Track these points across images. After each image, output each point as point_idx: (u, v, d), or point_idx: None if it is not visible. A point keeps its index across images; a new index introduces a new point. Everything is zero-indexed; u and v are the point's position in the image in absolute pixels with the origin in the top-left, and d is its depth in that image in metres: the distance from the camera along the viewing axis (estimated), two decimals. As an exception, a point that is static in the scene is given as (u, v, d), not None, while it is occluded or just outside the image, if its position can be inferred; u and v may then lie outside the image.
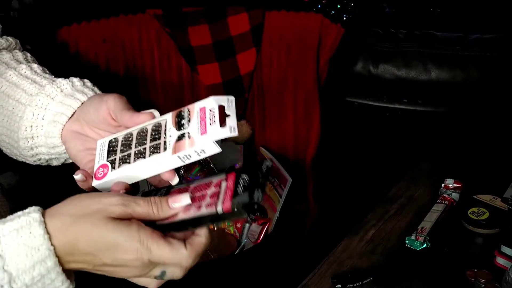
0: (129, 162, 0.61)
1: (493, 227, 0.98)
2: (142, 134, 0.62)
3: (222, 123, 0.57)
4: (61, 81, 0.68)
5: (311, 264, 1.01)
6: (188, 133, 0.59)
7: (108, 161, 0.62)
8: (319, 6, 2.31)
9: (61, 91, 0.67)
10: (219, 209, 0.55)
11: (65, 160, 0.72)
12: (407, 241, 1.00)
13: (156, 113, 0.64)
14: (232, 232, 1.30)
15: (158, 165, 0.60)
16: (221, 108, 0.59)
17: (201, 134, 0.57)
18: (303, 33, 1.32)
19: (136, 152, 0.61)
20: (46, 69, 0.75)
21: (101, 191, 0.62)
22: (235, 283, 1.19)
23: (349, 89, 1.47)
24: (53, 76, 0.72)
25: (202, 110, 0.59)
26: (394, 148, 1.55)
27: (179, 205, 0.54)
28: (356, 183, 1.66)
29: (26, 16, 1.35)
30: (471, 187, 1.11)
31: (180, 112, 0.62)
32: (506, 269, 0.89)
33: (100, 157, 0.63)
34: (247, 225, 1.27)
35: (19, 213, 0.51)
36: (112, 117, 0.63)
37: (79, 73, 1.34)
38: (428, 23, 1.49)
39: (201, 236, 0.55)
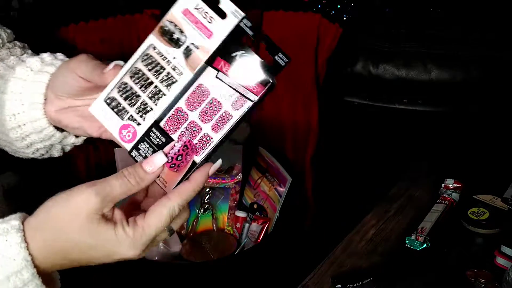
0: (151, 108, 0.54)
1: (493, 227, 0.98)
2: (137, 75, 0.55)
3: (221, 15, 0.53)
4: (30, 59, 0.64)
5: (311, 264, 1.01)
6: (192, 43, 0.53)
7: (126, 120, 0.55)
8: (319, 6, 2.31)
9: (31, 70, 0.63)
10: (251, 96, 0.53)
11: (63, 148, 0.69)
12: (407, 241, 1.00)
13: (121, 63, 0.58)
14: (232, 232, 1.30)
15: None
16: None
17: (208, 37, 0.53)
18: (302, 33, 1.32)
19: (150, 95, 0.54)
20: (26, 44, 0.75)
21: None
22: (235, 283, 1.19)
23: (349, 89, 1.47)
24: (28, 52, 0.71)
25: (187, 13, 0.54)
26: (394, 148, 1.55)
27: (156, 166, 0.51)
28: (356, 183, 1.66)
29: (26, 16, 1.35)
30: (471, 187, 1.11)
31: (163, 28, 0.55)
32: (506, 269, 0.89)
33: (111, 121, 0.56)
34: (247, 224, 1.27)
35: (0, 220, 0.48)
36: (86, 80, 0.59)
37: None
38: (428, 23, 1.49)
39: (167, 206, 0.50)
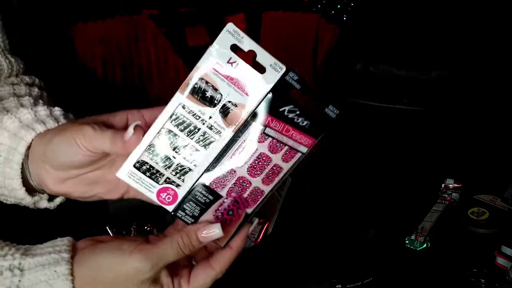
0: (190, 169, 0.52)
1: (493, 227, 0.98)
2: (168, 137, 0.51)
3: (258, 67, 0.52)
4: (22, 110, 0.57)
5: (311, 264, 1.01)
6: (230, 102, 0.50)
7: (163, 183, 0.53)
8: (319, 6, 2.31)
9: (20, 121, 0.56)
10: (302, 149, 0.54)
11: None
12: (407, 241, 1.00)
13: (138, 123, 0.52)
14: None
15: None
16: (243, 53, 0.52)
17: (246, 94, 0.51)
18: (300, 33, 1.32)
19: (185, 156, 0.52)
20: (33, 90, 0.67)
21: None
22: (235, 283, 1.19)
23: (349, 89, 1.47)
24: (33, 93, 0.65)
25: (219, 67, 0.51)
26: (394, 148, 1.54)
27: (209, 236, 0.51)
28: (355, 183, 1.66)
29: (25, 16, 1.35)
30: (471, 187, 1.11)
31: (193, 88, 0.50)
32: (506, 269, 0.89)
33: (145, 186, 0.53)
34: (247, 225, 1.27)
35: (50, 247, 0.50)
36: (93, 152, 0.51)
37: (76, 74, 1.34)
38: (428, 23, 1.49)
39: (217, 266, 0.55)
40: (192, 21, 1.37)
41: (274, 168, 0.53)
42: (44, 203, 0.59)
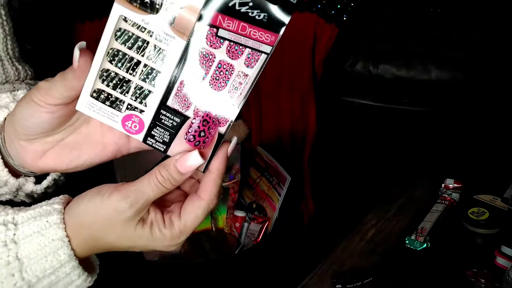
0: (150, 91, 0.47)
1: (493, 227, 0.98)
2: (118, 58, 0.46)
3: None
4: (1, 95, 0.57)
5: (311, 264, 1.01)
6: (173, 3, 0.44)
7: (125, 110, 0.48)
8: (319, 6, 2.31)
9: None
10: (265, 48, 0.47)
11: (31, 195, 0.60)
12: (407, 241, 1.00)
13: (83, 44, 0.48)
14: (231, 232, 1.30)
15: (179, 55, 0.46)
16: None
17: None
18: (298, 33, 1.32)
19: (142, 77, 0.47)
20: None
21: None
22: (235, 283, 1.19)
23: (349, 89, 1.47)
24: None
25: None
26: (394, 148, 1.54)
27: (192, 169, 0.48)
28: (355, 183, 1.66)
29: (25, 17, 1.35)
30: (471, 187, 1.11)
31: None
32: (506, 269, 0.89)
33: (108, 116, 0.48)
34: (246, 224, 1.27)
35: (44, 202, 0.49)
36: (57, 105, 0.48)
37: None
38: (428, 23, 1.49)
39: (204, 200, 0.50)
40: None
41: (240, 76, 0.48)
42: (30, 186, 0.57)
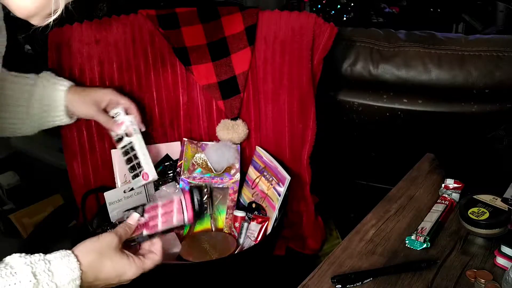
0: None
1: (493, 227, 0.98)
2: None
3: None
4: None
5: (311, 264, 1.01)
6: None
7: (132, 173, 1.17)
8: (319, 6, 2.31)
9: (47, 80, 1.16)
10: (186, 219, 0.88)
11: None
12: (407, 241, 1.00)
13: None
14: (231, 231, 1.30)
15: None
16: None
17: None
18: (297, 33, 1.31)
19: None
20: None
21: None
22: (235, 283, 1.19)
23: (349, 89, 1.47)
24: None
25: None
26: (394, 148, 1.54)
27: (132, 221, 0.88)
28: (355, 183, 1.66)
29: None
30: (471, 187, 1.11)
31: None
32: (506, 269, 0.89)
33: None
34: (246, 224, 1.27)
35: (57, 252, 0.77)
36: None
37: (74, 75, 1.34)
38: (428, 23, 1.49)
39: (157, 254, 0.89)
40: (189, 21, 1.37)
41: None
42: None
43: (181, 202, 0.91)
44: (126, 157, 1.20)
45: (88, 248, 0.79)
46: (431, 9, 2.32)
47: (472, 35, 1.41)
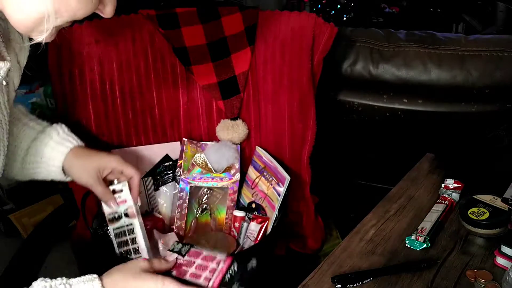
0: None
1: (493, 227, 0.98)
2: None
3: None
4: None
5: (311, 264, 1.01)
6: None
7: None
8: (319, 6, 2.31)
9: (58, 134, 1.07)
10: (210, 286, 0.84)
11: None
12: (407, 241, 0.99)
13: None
14: (231, 232, 1.30)
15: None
16: None
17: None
18: (297, 33, 1.31)
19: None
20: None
21: None
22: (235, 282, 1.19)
23: (349, 89, 1.47)
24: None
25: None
26: (394, 148, 1.54)
27: (167, 264, 0.89)
28: (355, 183, 1.66)
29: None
30: (471, 187, 1.11)
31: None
32: (506, 269, 0.89)
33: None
34: (245, 224, 1.27)
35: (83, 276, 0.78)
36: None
37: (74, 75, 1.34)
38: (428, 23, 1.49)
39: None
40: (189, 22, 1.37)
41: None
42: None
43: (216, 269, 0.87)
44: (119, 239, 1.06)
45: (114, 270, 0.80)
46: (431, 9, 2.32)
47: (472, 35, 1.41)
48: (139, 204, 1.08)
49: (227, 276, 0.85)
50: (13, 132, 1.04)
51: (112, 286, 0.77)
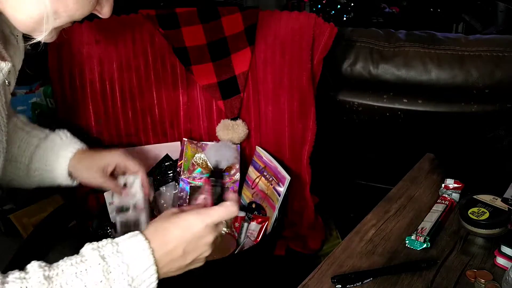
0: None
1: (493, 227, 0.98)
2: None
3: None
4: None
5: (311, 264, 1.01)
6: None
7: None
8: (319, 6, 2.31)
9: (60, 138, 1.08)
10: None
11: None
12: (407, 241, 0.99)
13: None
14: (231, 231, 1.30)
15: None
16: None
17: None
18: (297, 33, 1.31)
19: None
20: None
21: None
22: (235, 283, 1.19)
23: (349, 89, 1.47)
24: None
25: None
26: (394, 148, 1.54)
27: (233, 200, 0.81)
28: (355, 183, 1.66)
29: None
30: (471, 187, 1.11)
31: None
32: (506, 269, 0.89)
33: None
34: (246, 224, 1.27)
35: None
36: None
37: (74, 75, 1.34)
38: (428, 23, 1.49)
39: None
40: (189, 22, 1.37)
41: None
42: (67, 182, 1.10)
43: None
44: (124, 230, 1.07)
45: (149, 225, 0.78)
46: (431, 9, 2.32)
47: (472, 35, 1.41)
48: (151, 199, 1.11)
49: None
50: (16, 141, 1.04)
51: (154, 235, 0.75)
